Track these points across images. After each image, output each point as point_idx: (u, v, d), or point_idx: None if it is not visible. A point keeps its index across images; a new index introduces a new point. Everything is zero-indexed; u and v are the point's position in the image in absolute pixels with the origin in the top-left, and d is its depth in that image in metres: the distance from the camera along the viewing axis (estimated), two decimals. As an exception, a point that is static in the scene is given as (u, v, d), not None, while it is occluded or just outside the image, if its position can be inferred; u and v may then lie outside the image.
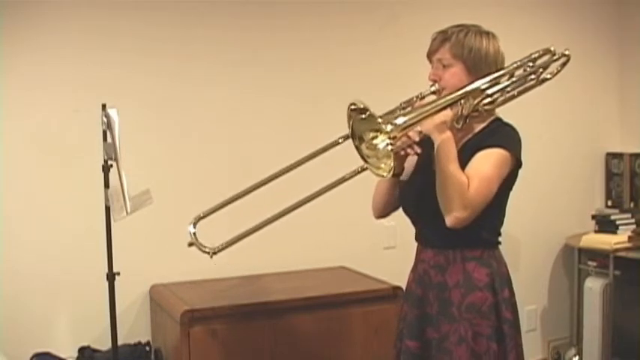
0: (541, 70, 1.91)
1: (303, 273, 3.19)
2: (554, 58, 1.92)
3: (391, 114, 1.84)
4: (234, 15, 3.16)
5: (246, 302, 2.68)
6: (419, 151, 1.86)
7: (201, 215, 2.17)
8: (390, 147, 1.66)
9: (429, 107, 1.77)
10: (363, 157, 1.74)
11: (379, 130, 1.68)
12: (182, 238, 3.04)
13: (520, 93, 1.92)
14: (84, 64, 2.88)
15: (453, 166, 1.78)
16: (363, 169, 1.88)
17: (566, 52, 1.92)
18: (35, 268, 2.81)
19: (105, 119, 2.37)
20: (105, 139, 2.39)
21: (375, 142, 1.70)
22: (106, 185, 2.41)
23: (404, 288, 2.14)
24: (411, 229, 2.08)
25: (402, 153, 1.86)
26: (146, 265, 2.97)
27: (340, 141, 2.02)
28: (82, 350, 2.83)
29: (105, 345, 2.75)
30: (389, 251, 3.36)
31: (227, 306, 2.63)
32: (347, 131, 1.78)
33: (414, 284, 2.02)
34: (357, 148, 1.74)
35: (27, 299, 2.81)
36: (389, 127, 1.65)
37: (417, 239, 2.05)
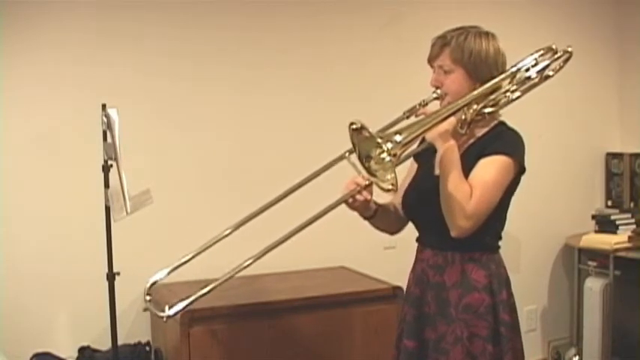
0: (543, 68, 1.90)
1: (303, 273, 3.19)
2: (557, 56, 1.91)
3: (394, 125, 1.85)
4: (234, 15, 3.16)
5: (246, 302, 2.68)
6: (369, 197, 1.90)
7: (155, 281, 2.11)
8: (391, 163, 1.66)
9: (428, 120, 1.76)
10: (371, 174, 1.74)
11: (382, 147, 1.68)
12: (182, 238, 3.05)
13: (524, 92, 1.91)
14: (84, 64, 2.88)
15: (456, 176, 1.78)
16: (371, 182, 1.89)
17: (569, 49, 1.91)
18: (35, 268, 2.81)
19: (105, 119, 2.37)
20: (105, 139, 2.39)
21: (382, 156, 1.69)
22: (106, 185, 2.41)
23: (404, 288, 2.15)
24: (411, 229, 2.08)
25: (350, 201, 1.90)
26: (146, 265, 2.96)
27: (346, 155, 2.00)
28: (82, 350, 2.83)
29: (105, 345, 2.75)
30: (389, 251, 3.35)
31: (227, 306, 2.63)
32: (349, 136, 1.77)
33: (412, 284, 2.03)
34: (367, 169, 1.73)
35: (27, 299, 2.81)
36: (389, 145, 1.65)
37: (417, 240, 2.05)
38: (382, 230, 2.13)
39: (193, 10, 3.08)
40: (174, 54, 3.04)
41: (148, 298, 2.05)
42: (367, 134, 1.68)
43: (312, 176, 2.11)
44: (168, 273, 2.09)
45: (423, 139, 1.91)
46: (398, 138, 1.66)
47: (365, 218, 2.04)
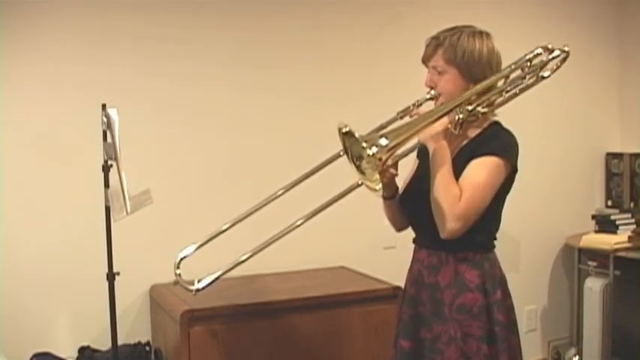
0: (539, 68, 1.89)
1: (303, 273, 3.19)
2: (553, 55, 1.89)
3: (388, 125, 1.87)
4: (234, 15, 3.16)
5: (246, 302, 2.69)
6: (396, 173, 1.89)
7: (185, 256, 2.16)
8: (375, 166, 1.66)
9: (417, 122, 1.75)
10: (362, 172, 1.73)
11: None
12: (182, 238, 3.04)
13: (519, 92, 1.90)
14: (84, 64, 2.88)
15: (446, 177, 1.78)
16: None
17: (565, 49, 1.89)
18: (35, 268, 2.82)
19: (105, 119, 2.37)
20: (105, 139, 2.39)
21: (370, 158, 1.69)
22: (106, 185, 2.41)
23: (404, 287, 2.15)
24: (411, 229, 2.08)
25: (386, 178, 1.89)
26: (146, 265, 2.97)
27: (341, 154, 2.00)
28: (82, 350, 2.83)
29: (105, 345, 2.75)
30: (389, 251, 3.35)
31: (227, 306, 2.63)
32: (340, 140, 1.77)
33: (408, 284, 2.03)
34: (358, 167, 1.72)
35: (27, 299, 2.81)
36: (374, 150, 1.64)
37: (414, 241, 2.05)
38: (391, 220, 2.11)
39: (194, 11, 3.08)
40: (174, 54, 3.04)
41: (178, 272, 2.14)
42: (354, 138, 1.68)
43: (309, 174, 2.13)
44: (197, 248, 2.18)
45: None
46: (383, 142, 1.66)
47: (385, 198, 2.02)
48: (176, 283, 2.15)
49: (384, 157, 1.66)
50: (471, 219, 1.78)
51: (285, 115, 3.27)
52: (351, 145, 1.72)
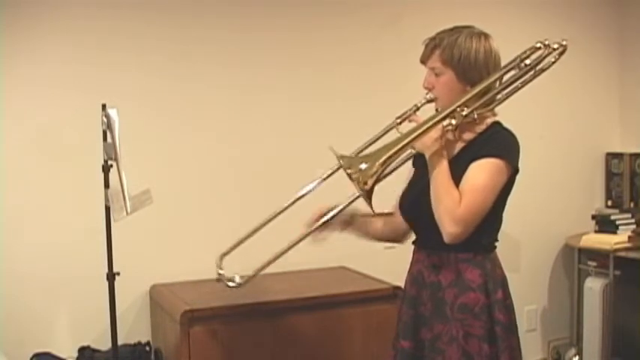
0: (536, 64, 1.85)
1: (303, 273, 3.19)
2: (548, 51, 1.84)
3: (385, 133, 1.93)
4: (234, 15, 3.16)
5: (246, 302, 2.68)
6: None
7: (225, 252, 2.20)
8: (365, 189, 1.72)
9: (407, 134, 1.79)
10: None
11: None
12: (182, 238, 3.05)
13: (518, 88, 1.88)
14: (84, 64, 2.88)
15: (445, 182, 1.78)
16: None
17: (563, 42, 1.85)
18: (35, 268, 2.82)
19: (105, 119, 2.37)
20: (105, 139, 2.39)
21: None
22: (106, 185, 2.41)
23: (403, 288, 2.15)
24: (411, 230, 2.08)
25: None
26: (146, 265, 2.97)
27: (341, 162, 2.02)
28: (82, 350, 2.83)
29: (105, 345, 2.75)
30: (389, 251, 3.34)
31: (227, 306, 2.63)
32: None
33: (409, 285, 2.03)
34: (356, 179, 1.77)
35: (27, 299, 2.81)
36: (359, 176, 1.70)
37: (413, 242, 2.05)
38: (384, 241, 2.24)
39: (194, 11, 3.08)
40: (174, 54, 3.04)
41: (220, 271, 2.21)
42: (343, 162, 1.75)
43: (316, 186, 2.14)
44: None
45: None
46: (363, 166, 1.71)
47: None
48: (219, 280, 2.20)
49: (369, 182, 1.71)
50: (472, 222, 1.78)
51: (286, 115, 3.27)
52: (350, 165, 1.76)
